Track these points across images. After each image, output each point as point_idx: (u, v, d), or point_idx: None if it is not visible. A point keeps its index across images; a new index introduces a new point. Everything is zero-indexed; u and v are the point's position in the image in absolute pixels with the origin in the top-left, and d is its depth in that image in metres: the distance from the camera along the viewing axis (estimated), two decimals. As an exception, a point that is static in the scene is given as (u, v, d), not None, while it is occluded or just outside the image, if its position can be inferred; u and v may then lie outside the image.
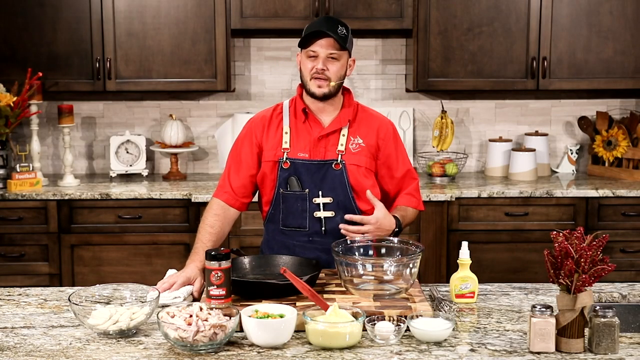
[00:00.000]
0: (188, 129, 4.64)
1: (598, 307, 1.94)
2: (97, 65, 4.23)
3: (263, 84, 4.62)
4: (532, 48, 4.27)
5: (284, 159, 2.58)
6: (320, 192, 2.56)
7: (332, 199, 2.56)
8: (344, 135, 2.59)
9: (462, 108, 4.67)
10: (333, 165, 2.56)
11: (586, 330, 1.97)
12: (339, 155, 2.57)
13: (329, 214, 2.57)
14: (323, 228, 2.58)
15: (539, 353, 1.94)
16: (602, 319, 1.92)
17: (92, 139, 4.64)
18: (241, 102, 4.63)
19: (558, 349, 1.95)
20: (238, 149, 2.67)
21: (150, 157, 4.62)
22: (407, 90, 4.55)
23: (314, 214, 2.57)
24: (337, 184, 2.56)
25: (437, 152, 4.52)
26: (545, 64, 4.27)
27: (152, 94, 4.57)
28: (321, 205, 2.56)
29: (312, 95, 2.55)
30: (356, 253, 2.43)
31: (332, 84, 2.53)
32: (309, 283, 2.24)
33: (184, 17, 4.23)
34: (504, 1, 4.24)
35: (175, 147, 4.46)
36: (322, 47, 2.50)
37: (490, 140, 4.56)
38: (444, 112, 4.47)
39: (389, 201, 2.69)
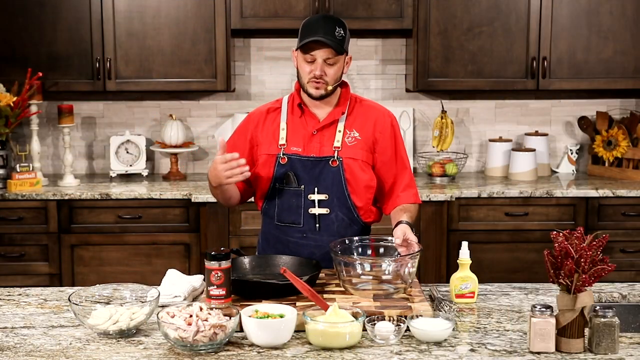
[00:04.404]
0: (188, 129, 4.64)
1: (598, 307, 1.94)
2: (97, 65, 4.23)
3: (263, 84, 4.62)
4: (532, 48, 4.27)
5: (282, 155, 2.58)
6: (316, 189, 2.56)
7: (327, 196, 2.56)
8: (339, 131, 2.58)
9: (462, 108, 4.67)
10: (330, 162, 2.55)
11: (586, 330, 1.97)
12: (336, 152, 2.56)
13: (324, 210, 2.57)
14: (317, 225, 2.58)
15: (539, 353, 1.94)
16: (602, 319, 1.92)
17: (92, 139, 4.64)
18: (241, 102, 4.62)
19: (558, 349, 1.95)
20: (235, 140, 2.69)
21: (150, 157, 4.62)
22: (407, 90, 4.55)
23: (309, 210, 2.57)
24: (333, 181, 2.56)
25: (437, 152, 4.52)
26: (545, 64, 4.27)
27: (152, 94, 4.57)
28: (316, 202, 2.56)
29: (310, 96, 2.56)
30: (354, 253, 2.43)
31: (330, 87, 2.53)
32: (309, 283, 2.24)
33: (184, 17, 4.23)
34: (504, 1, 4.24)
35: (175, 147, 4.46)
36: (319, 53, 2.49)
37: (490, 140, 4.56)
38: (444, 112, 4.47)
39: (384, 192, 2.67)
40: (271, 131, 2.62)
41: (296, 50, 2.55)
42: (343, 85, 2.65)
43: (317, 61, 2.50)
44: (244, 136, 2.67)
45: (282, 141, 2.59)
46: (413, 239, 2.36)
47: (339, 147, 2.56)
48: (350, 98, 2.65)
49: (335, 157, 2.56)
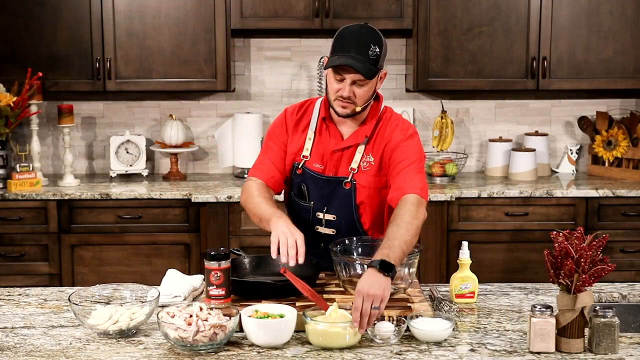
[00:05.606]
0: (188, 129, 4.64)
1: (598, 307, 1.94)
2: (97, 65, 4.23)
3: (263, 84, 4.62)
4: (532, 48, 4.27)
5: (300, 165, 2.50)
6: (325, 208, 2.50)
7: (336, 216, 2.49)
8: (359, 152, 2.46)
9: (462, 108, 4.67)
10: (344, 184, 2.46)
11: (586, 330, 1.97)
12: (351, 174, 2.46)
13: (330, 231, 2.51)
14: (322, 244, 2.52)
15: (539, 353, 1.94)
16: (602, 319, 1.92)
17: (92, 139, 4.64)
18: (241, 102, 4.62)
19: (558, 349, 1.95)
20: (276, 133, 2.56)
21: (150, 157, 4.62)
22: (407, 90, 4.55)
23: (315, 228, 2.52)
24: (344, 202, 2.48)
25: (437, 152, 4.52)
26: (545, 64, 4.27)
27: (152, 94, 4.57)
28: (324, 221, 2.51)
29: (336, 113, 2.42)
30: (354, 253, 2.42)
31: (358, 108, 2.38)
32: (309, 283, 2.24)
33: (184, 17, 4.22)
34: (504, 1, 4.24)
35: (175, 147, 4.46)
36: (349, 73, 2.30)
37: (490, 140, 4.56)
38: (444, 112, 4.47)
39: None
40: (298, 139, 2.52)
41: (326, 62, 2.34)
42: (375, 98, 2.49)
43: (346, 81, 2.32)
44: (282, 130, 2.54)
45: (306, 152, 2.49)
46: (366, 307, 1.95)
47: (355, 170, 2.46)
48: (381, 114, 2.49)
49: (349, 180, 2.46)
